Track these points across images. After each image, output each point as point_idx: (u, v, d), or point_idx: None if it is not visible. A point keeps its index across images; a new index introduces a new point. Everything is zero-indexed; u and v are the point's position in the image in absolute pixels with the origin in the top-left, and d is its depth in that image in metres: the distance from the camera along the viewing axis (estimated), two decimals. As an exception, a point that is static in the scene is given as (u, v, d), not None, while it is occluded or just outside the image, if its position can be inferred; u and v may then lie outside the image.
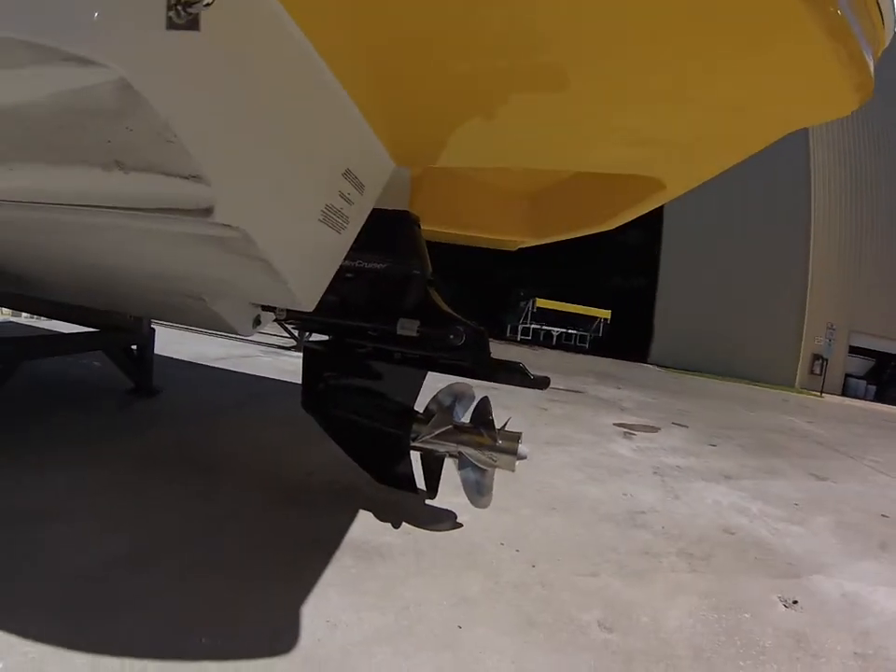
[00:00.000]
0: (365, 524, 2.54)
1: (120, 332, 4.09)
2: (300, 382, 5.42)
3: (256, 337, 6.98)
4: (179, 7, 1.10)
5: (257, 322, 2.55)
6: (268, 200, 1.64)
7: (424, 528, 2.55)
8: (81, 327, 4.23)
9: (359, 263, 2.35)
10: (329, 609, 1.86)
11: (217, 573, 2.02)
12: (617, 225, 3.05)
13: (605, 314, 19.76)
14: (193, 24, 1.12)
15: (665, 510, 3.23)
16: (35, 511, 2.31)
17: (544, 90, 1.63)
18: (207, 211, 1.48)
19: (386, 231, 2.32)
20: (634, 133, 1.88)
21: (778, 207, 17.17)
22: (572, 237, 3.44)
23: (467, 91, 1.68)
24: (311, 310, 2.05)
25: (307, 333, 7.30)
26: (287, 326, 5.47)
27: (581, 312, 19.59)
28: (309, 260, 1.93)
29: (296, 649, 1.65)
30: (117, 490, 2.62)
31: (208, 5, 1.10)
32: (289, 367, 6.65)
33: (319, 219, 1.84)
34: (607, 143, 2.03)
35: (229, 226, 1.53)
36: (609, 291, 20.62)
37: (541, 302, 19.59)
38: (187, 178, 1.41)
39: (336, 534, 2.41)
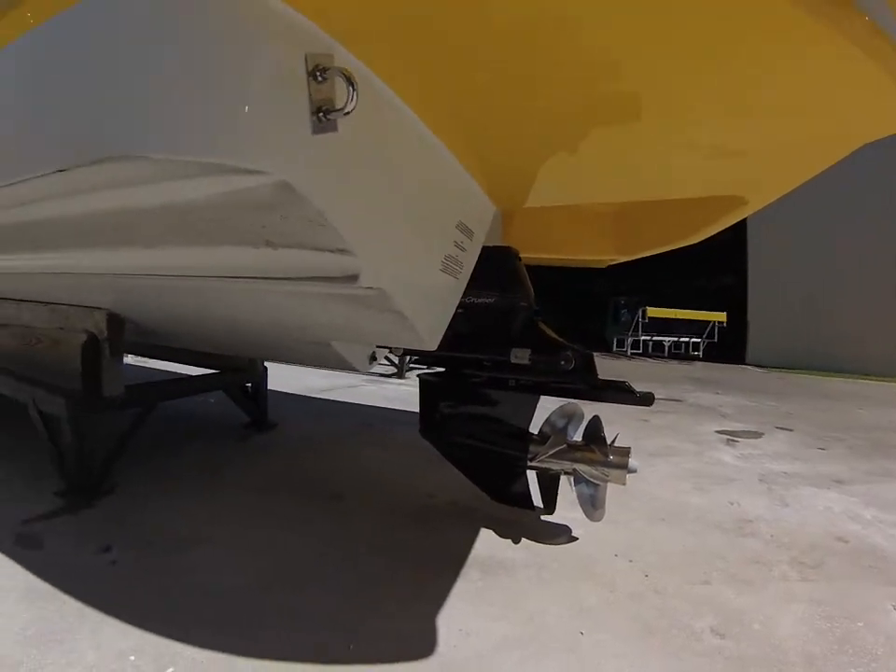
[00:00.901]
0: (487, 540, 2.72)
1: (238, 372, 4.50)
2: (406, 409, 5.74)
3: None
4: (321, 115, 1.35)
5: (373, 359, 2.78)
6: (401, 261, 1.85)
7: (542, 543, 2.70)
8: (198, 368, 4.66)
9: (470, 299, 2.50)
10: (460, 618, 2.05)
11: (356, 588, 2.25)
12: (702, 238, 3.14)
13: (720, 316, 17.69)
14: (333, 127, 1.38)
15: (773, 518, 3.23)
16: (183, 537, 2.64)
17: (629, 120, 1.73)
18: (353, 278, 1.70)
19: (492, 268, 2.47)
20: (718, 151, 1.95)
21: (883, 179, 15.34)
22: (659, 252, 3.53)
23: (554, 134, 1.82)
24: (434, 349, 2.25)
25: (407, 359, 7.66)
26: (391, 357, 5.76)
27: (696, 317, 17.66)
28: (433, 306, 2.13)
29: (435, 654, 1.83)
30: (251, 517, 2.91)
31: (347, 113, 1.35)
32: (393, 394, 6.96)
33: (440, 269, 2.05)
34: (691, 166, 2.12)
35: (370, 287, 1.74)
36: (705, 292, 19.03)
37: (653, 311, 17.63)
38: (334, 252, 1.62)
39: (461, 550, 2.59)
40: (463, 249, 2.15)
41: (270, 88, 1.32)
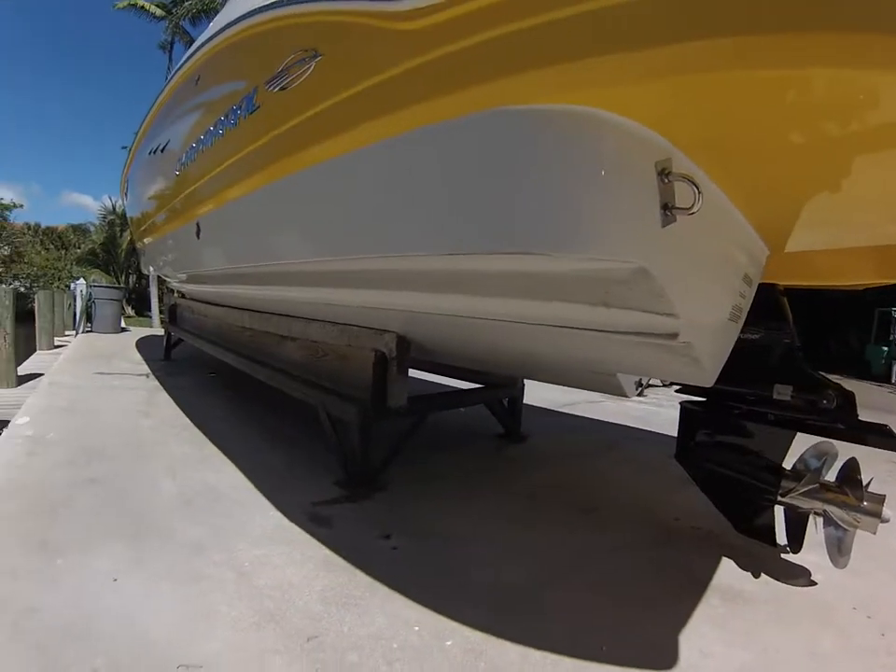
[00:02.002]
0: (728, 569, 2.74)
1: (500, 388, 4.84)
2: (648, 428, 5.77)
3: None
4: (668, 211, 1.63)
5: (639, 385, 3.00)
6: (706, 317, 2.04)
7: (781, 581, 2.66)
8: (457, 381, 5.13)
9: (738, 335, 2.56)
10: (700, 640, 2.12)
11: (609, 595, 2.41)
12: None
13: None
14: (674, 219, 1.65)
15: None
16: (455, 533, 2.92)
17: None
18: (673, 335, 1.90)
19: (759, 306, 2.47)
20: None
21: None
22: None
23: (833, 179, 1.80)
24: (711, 385, 2.35)
25: (647, 379, 7.64)
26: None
27: None
28: (719, 349, 2.27)
29: (675, 669, 1.93)
30: (515, 520, 3.14)
31: (692, 213, 1.61)
32: (634, 412, 6.97)
33: (728, 318, 2.19)
34: None
35: (684, 342, 1.93)
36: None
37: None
38: (661, 314, 1.81)
39: (704, 575, 2.66)
40: (744, 297, 2.27)
41: (631, 193, 1.60)
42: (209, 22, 4.49)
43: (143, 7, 24.87)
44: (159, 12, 25.08)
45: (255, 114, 2.92)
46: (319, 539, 2.74)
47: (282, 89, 2.60)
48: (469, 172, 1.83)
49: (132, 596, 2.17)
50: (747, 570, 2.75)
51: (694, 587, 2.55)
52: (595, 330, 2.14)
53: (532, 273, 1.94)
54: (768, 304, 2.73)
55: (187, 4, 24.21)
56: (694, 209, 1.59)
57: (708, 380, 2.31)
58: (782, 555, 2.92)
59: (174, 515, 2.94)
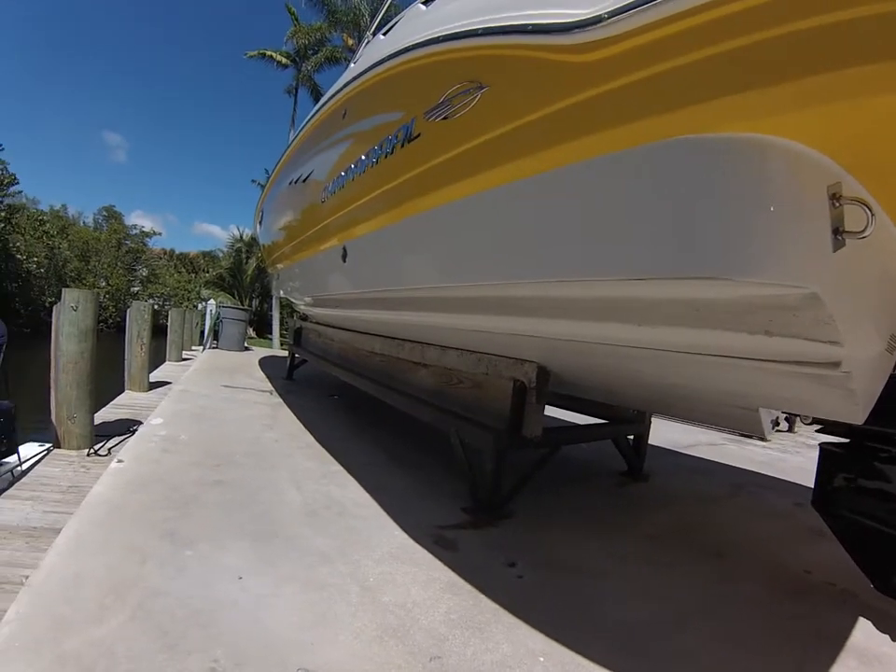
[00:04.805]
0: (865, 630, 2.54)
1: (629, 424, 4.74)
2: (773, 474, 5.45)
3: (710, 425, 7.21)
4: (840, 237, 1.59)
5: (776, 423, 2.84)
6: (867, 347, 1.97)
7: None
8: (581, 415, 5.05)
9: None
10: None
11: (735, 646, 2.29)
12: None
13: None
14: (843, 244, 1.61)
15: None
16: (582, 567, 2.88)
17: None
18: (836, 364, 1.85)
19: None
20: None
21: None
22: None
23: None
24: (862, 422, 2.21)
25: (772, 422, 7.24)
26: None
27: None
28: (874, 382, 2.16)
29: None
30: (642, 560, 3.07)
31: (864, 238, 1.58)
32: (756, 457, 6.65)
33: (885, 349, 2.09)
34: None
35: (845, 371, 1.87)
36: None
37: None
38: (825, 342, 1.77)
39: (838, 633, 2.48)
40: None
41: (805, 217, 1.59)
42: (332, 70, 4.77)
43: (270, 55, 26.87)
44: (284, 61, 27.00)
45: (413, 143, 3.04)
46: (444, 562, 2.75)
47: (444, 118, 2.72)
48: (652, 199, 1.85)
49: (256, 594, 2.25)
50: (885, 632, 2.55)
51: (828, 646, 2.38)
52: (752, 359, 2.09)
53: (698, 300, 1.93)
54: None
55: (314, 57, 26.04)
56: (867, 233, 1.56)
57: (861, 416, 2.17)
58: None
59: (299, 524, 3.05)
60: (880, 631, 2.56)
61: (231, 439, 4.80)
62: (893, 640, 2.49)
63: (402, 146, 3.14)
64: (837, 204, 1.58)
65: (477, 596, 2.45)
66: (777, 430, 9.20)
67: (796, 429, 9.53)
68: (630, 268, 1.94)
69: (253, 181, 34.08)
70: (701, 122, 1.63)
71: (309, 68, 26.76)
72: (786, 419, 8.97)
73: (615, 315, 2.34)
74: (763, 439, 8.07)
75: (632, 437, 4.95)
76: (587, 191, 2.06)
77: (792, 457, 6.89)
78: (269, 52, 27.00)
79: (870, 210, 1.55)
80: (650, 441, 5.02)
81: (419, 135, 2.96)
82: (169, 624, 1.97)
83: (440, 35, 2.81)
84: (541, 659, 2.02)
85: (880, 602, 2.78)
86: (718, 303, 1.88)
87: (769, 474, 5.76)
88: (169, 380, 8.05)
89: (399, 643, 2.02)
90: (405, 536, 3.03)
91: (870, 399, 2.17)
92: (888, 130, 1.47)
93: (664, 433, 6.76)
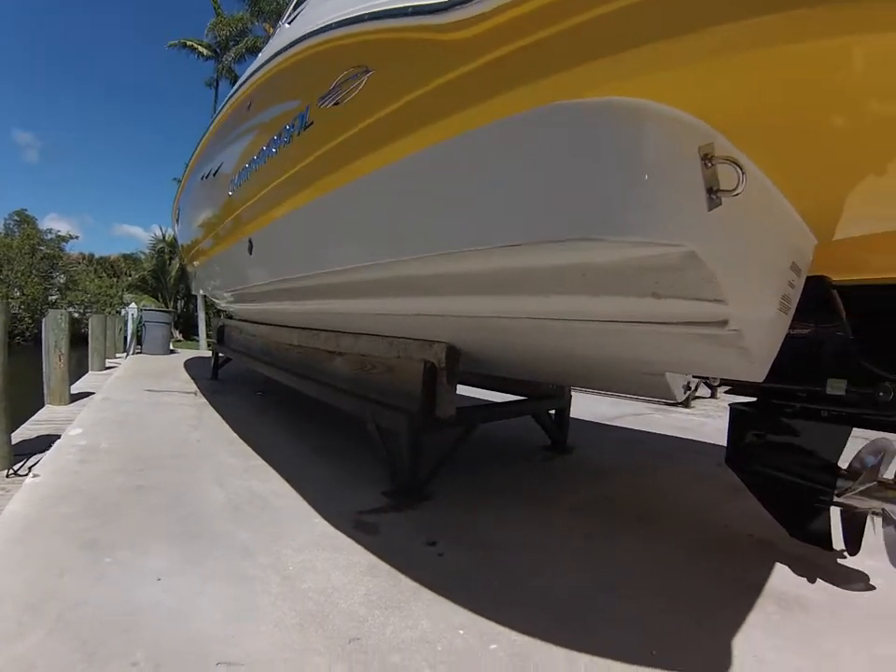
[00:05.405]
0: (782, 575, 2.67)
1: (548, 399, 4.84)
2: (698, 439, 5.67)
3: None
4: (713, 195, 1.65)
5: (687, 388, 2.91)
6: (755, 305, 2.03)
7: (838, 586, 2.57)
8: (501, 394, 5.12)
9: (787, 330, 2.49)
10: (754, 646, 2.05)
11: (661, 600, 2.37)
12: None
13: None
14: (719, 203, 1.67)
15: None
16: (504, 542, 2.91)
17: None
18: (723, 322, 1.92)
19: (808, 299, 2.41)
20: None
21: None
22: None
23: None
24: (762, 381, 2.29)
25: (692, 389, 7.52)
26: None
27: None
28: (769, 341, 2.24)
29: None
30: (566, 532, 3.10)
31: (737, 195, 1.63)
32: (681, 424, 6.88)
33: (778, 308, 2.15)
34: None
35: (734, 329, 1.94)
36: None
37: None
38: (711, 301, 1.82)
39: (758, 581, 2.59)
40: (793, 287, 2.23)
41: (678, 177, 1.64)
42: (253, 61, 4.76)
43: (192, 45, 26.04)
44: (206, 52, 26.21)
45: (308, 130, 3.07)
46: (364, 546, 2.76)
47: (335, 104, 2.75)
48: (524, 165, 1.88)
49: (179, 594, 2.21)
50: (802, 576, 2.68)
51: (748, 593, 2.48)
52: (645, 323, 2.15)
53: (583, 264, 1.96)
54: (819, 298, 2.64)
55: (235, 48, 25.39)
56: (738, 190, 1.61)
57: (759, 374, 2.26)
58: (839, 560, 2.83)
59: (223, 520, 3.00)
60: (797, 575, 2.68)
61: (155, 443, 4.65)
62: (811, 583, 2.61)
63: (298, 134, 3.17)
64: (710, 164, 1.63)
65: (397, 577, 2.45)
66: (700, 397, 9.58)
67: (718, 396, 9.95)
68: (512, 235, 1.96)
69: (175, 179, 33.02)
70: (573, 88, 1.66)
71: (230, 59, 26.09)
72: (707, 385, 9.37)
73: (510, 288, 2.37)
74: (686, 405, 8.41)
75: (553, 412, 5.04)
76: (471, 163, 2.10)
77: (713, 421, 7.16)
78: (190, 42, 26.18)
79: (741, 169, 1.61)
80: (578, 416, 5.10)
81: (312, 123, 3.00)
82: (88, 633, 1.91)
83: (331, 22, 2.84)
84: (461, 632, 2.04)
85: (795, 548, 2.90)
86: (604, 267, 1.91)
87: (693, 438, 5.97)
88: (92, 390, 7.73)
89: (318, 628, 2.01)
90: (326, 524, 3.01)
91: (767, 358, 2.26)
92: (754, 88, 1.51)
93: (591, 407, 6.94)
